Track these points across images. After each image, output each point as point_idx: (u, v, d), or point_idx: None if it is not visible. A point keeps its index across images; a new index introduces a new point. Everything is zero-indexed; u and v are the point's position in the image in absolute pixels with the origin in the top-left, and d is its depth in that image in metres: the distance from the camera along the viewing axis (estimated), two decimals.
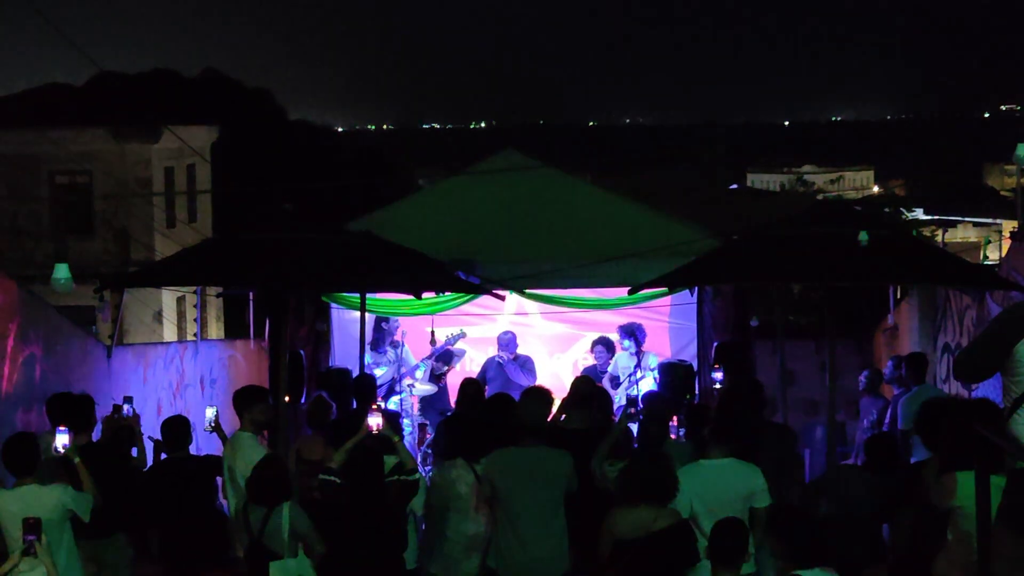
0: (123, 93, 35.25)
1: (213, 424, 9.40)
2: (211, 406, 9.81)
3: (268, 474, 7.76)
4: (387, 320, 13.54)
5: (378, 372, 13.15)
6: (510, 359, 13.35)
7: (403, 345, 13.54)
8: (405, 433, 11.90)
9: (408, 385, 13.15)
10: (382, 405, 10.62)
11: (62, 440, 7.82)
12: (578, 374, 13.10)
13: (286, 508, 7.66)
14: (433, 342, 13.47)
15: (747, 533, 6.59)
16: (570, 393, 9.48)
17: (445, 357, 13.50)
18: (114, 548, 8.61)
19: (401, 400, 13.04)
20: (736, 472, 7.56)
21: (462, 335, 13.51)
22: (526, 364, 13.42)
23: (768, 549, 7.56)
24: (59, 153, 31.15)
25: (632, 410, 8.53)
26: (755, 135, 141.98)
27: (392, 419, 8.83)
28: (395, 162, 58.23)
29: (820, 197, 53.87)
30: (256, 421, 8.87)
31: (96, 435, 9.42)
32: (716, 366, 11.84)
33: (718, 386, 11.55)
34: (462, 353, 13.96)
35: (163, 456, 9.41)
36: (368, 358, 13.11)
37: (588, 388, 9.67)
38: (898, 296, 15.19)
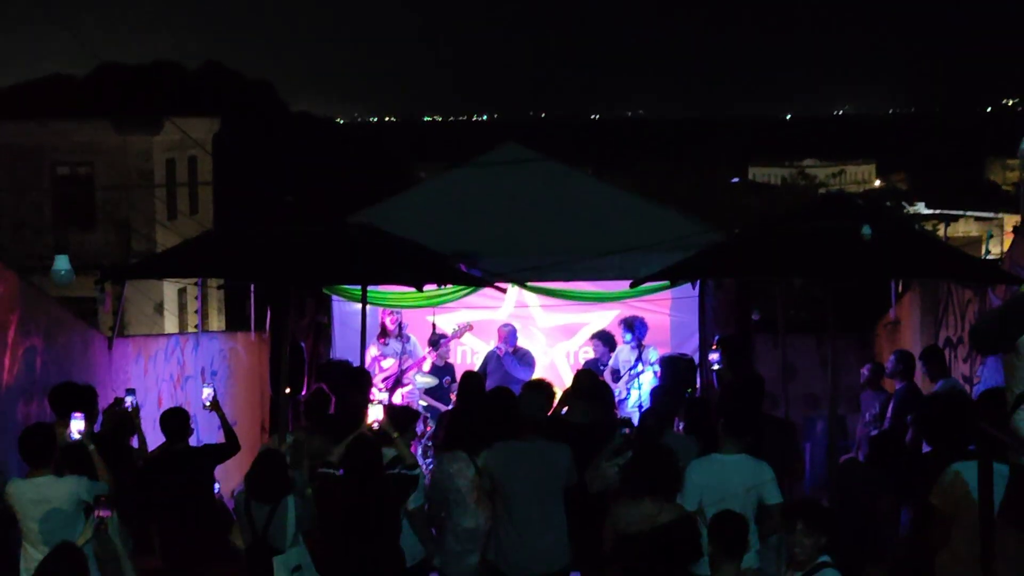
0: (125, 85, 35.37)
1: (211, 402, 9.43)
2: (208, 385, 9.87)
3: (267, 469, 7.73)
4: (390, 312, 13.50)
5: (385, 364, 13.12)
6: (509, 352, 13.31)
7: (411, 338, 13.49)
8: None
9: (415, 376, 13.12)
10: (377, 400, 10.60)
11: (77, 426, 7.81)
12: (578, 366, 13.07)
13: (291, 503, 7.64)
14: (435, 334, 13.44)
15: (747, 526, 6.59)
16: (572, 386, 9.47)
17: (432, 341, 13.40)
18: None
19: (407, 393, 13.01)
20: (746, 467, 7.55)
21: (469, 327, 13.44)
22: (524, 357, 13.38)
23: (772, 544, 7.57)
24: (60, 145, 31.19)
25: (627, 431, 8.41)
26: (757, 128, 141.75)
27: (394, 415, 8.80)
28: (397, 154, 58.18)
29: (822, 191, 53.80)
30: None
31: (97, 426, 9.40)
32: (714, 347, 11.86)
33: (716, 367, 11.54)
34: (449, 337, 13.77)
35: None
36: (374, 350, 13.10)
37: (590, 381, 9.65)
38: (900, 290, 15.14)
